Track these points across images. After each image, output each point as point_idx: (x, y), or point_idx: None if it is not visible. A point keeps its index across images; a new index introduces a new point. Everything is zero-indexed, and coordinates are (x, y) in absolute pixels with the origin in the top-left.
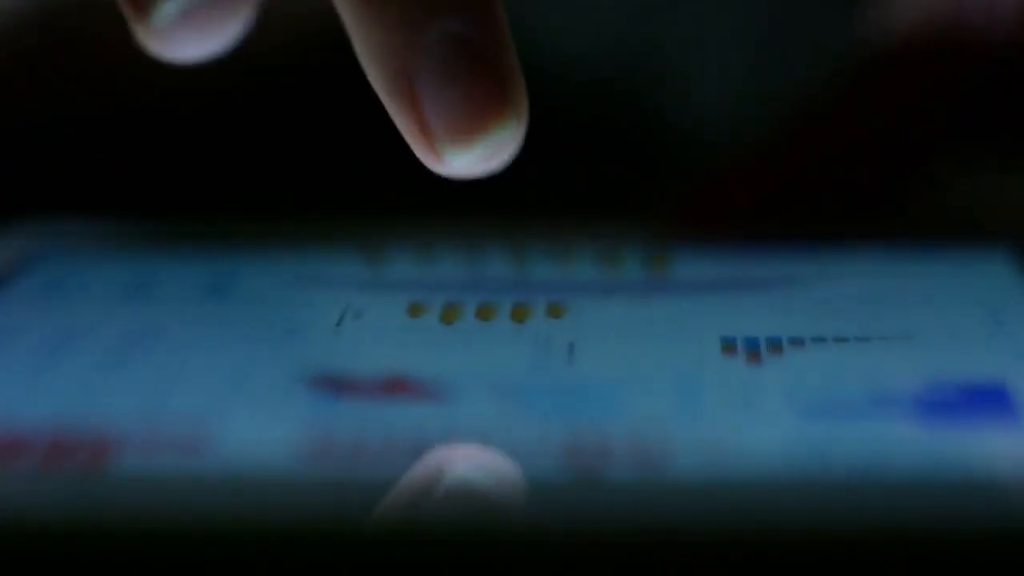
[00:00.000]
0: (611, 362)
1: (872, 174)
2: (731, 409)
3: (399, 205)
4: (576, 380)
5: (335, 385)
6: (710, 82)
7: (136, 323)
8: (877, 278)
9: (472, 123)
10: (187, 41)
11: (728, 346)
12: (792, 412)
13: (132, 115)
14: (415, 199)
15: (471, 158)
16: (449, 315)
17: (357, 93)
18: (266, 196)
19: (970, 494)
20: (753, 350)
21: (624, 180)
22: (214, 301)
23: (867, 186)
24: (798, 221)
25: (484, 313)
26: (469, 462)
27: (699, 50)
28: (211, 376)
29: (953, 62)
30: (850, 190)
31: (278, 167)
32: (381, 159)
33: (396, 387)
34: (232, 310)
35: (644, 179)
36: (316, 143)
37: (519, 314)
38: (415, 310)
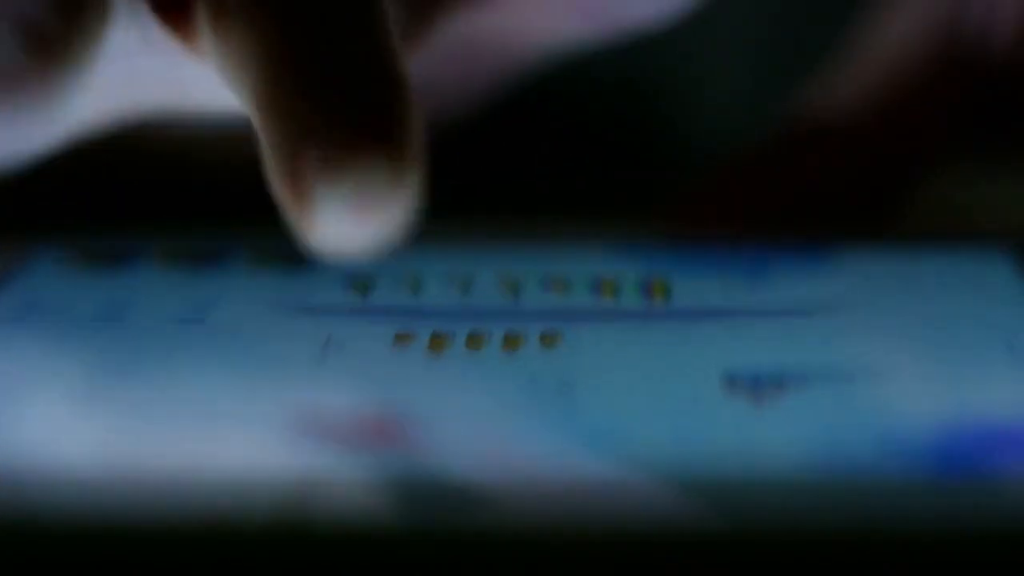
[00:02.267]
0: (607, 399)
1: (872, 177)
2: (732, 454)
3: None
4: (570, 417)
5: (315, 427)
6: (711, 83)
7: (109, 352)
8: (880, 293)
9: (335, 151)
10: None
11: (731, 382)
12: (797, 458)
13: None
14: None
15: (340, 200)
16: (437, 345)
17: None
18: (247, 214)
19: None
20: (757, 388)
21: (624, 180)
22: (190, 330)
23: (867, 189)
24: (797, 222)
25: (474, 343)
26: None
27: (701, 52)
28: (184, 414)
29: (953, 68)
30: (850, 192)
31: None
32: None
33: (379, 430)
34: (208, 340)
35: (644, 179)
36: None
37: (511, 343)
38: (401, 339)
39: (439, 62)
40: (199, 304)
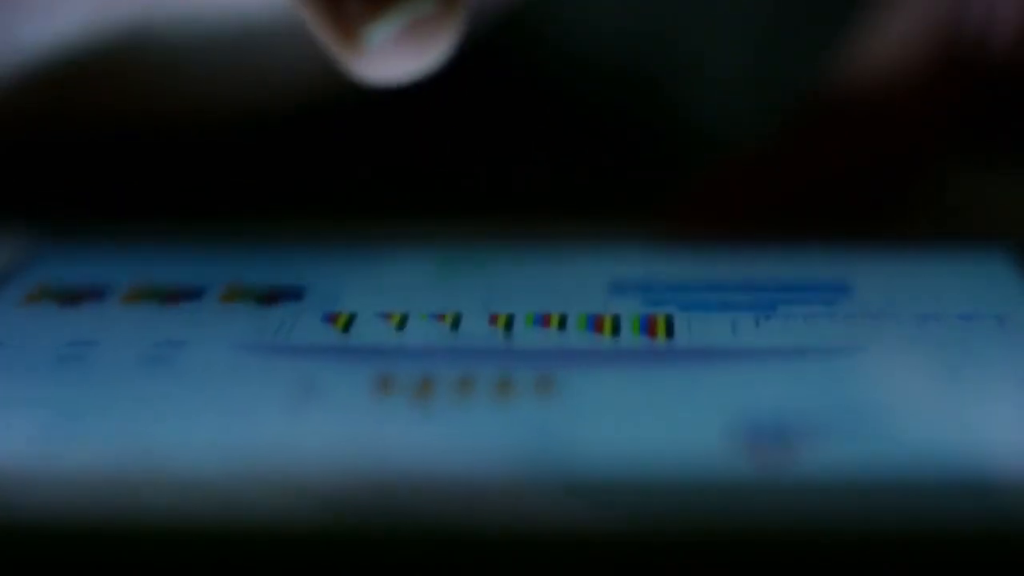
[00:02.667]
0: (604, 456)
1: (872, 177)
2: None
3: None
4: (565, 474)
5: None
6: (712, 84)
7: (67, 396)
8: (887, 313)
9: None
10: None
11: (740, 436)
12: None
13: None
14: (409, 197)
15: (387, 32)
16: (423, 391)
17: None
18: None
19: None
20: (768, 443)
21: (624, 180)
22: (157, 372)
23: (867, 188)
24: (797, 222)
25: (462, 389)
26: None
27: (701, 51)
28: (146, 463)
29: (953, 68)
30: (850, 191)
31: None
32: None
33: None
34: (176, 384)
35: (644, 179)
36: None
37: (503, 390)
38: (385, 384)
39: None
40: (168, 343)
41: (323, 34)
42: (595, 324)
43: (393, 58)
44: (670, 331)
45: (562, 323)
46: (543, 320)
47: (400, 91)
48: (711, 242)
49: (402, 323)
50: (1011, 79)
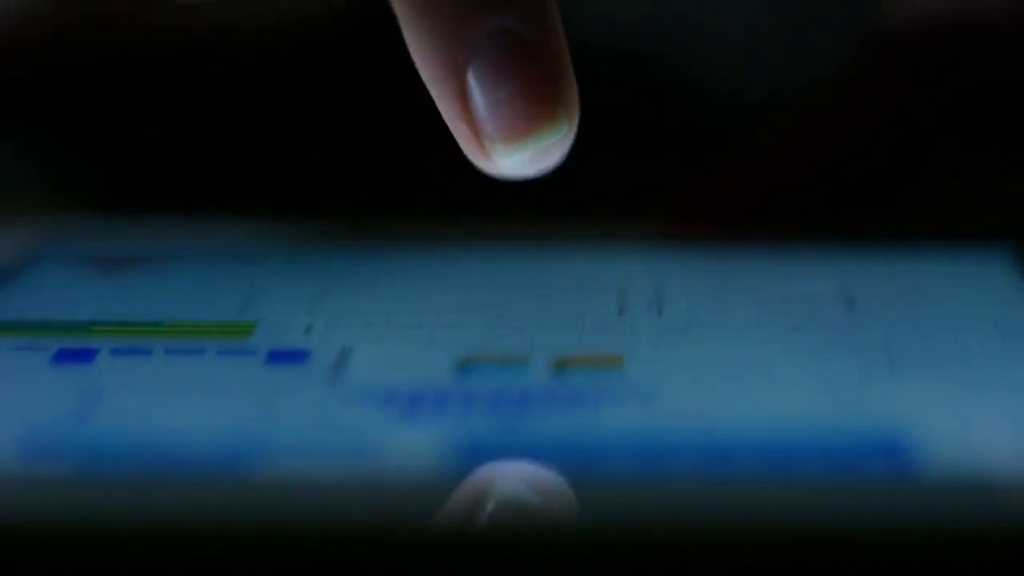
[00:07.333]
0: None
1: (871, 174)
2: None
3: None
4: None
5: None
6: (709, 83)
7: None
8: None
9: (522, 124)
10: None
11: None
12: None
13: None
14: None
15: (519, 159)
16: None
17: None
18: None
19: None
20: None
21: (622, 180)
22: None
23: (866, 186)
24: (797, 222)
25: None
26: None
27: (701, 49)
28: None
29: (954, 62)
30: (849, 190)
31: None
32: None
33: None
34: None
35: (643, 179)
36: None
37: None
38: None
39: None
40: None
41: (456, 134)
42: None
43: (523, 171)
44: None
45: None
46: None
47: (394, 88)
48: (711, 241)
49: None
50: (1012, 76)
